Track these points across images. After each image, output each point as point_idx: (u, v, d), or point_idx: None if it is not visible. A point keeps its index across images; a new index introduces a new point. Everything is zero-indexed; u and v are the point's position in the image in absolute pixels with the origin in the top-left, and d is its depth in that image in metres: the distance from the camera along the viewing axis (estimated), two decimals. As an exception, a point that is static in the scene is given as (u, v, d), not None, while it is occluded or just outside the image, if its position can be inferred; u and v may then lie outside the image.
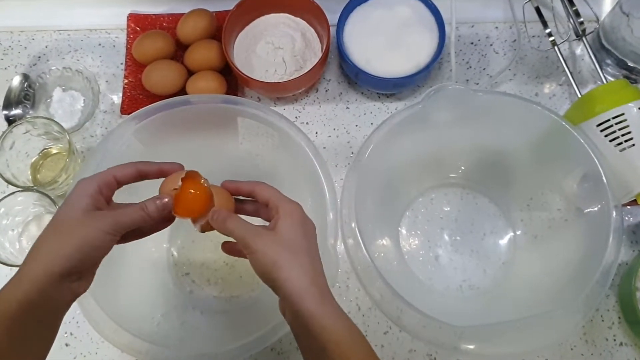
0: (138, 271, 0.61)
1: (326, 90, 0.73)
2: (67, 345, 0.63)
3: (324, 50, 0.67)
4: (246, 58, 0.69)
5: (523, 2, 0.70)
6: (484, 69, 0.73)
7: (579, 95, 0.65)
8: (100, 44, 0.75)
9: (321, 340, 0.39)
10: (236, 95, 0.70)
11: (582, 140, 0.55)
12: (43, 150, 0.69)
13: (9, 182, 0.63)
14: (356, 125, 0.71)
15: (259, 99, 0.73)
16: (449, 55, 0.70)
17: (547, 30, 0.68)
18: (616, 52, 0.67)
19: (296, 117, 0.71)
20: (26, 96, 0.71)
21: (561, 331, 0.51)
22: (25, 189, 0.62)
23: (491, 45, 0.74)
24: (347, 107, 0.72)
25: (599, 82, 0.67)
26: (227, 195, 0.46)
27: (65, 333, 0.63)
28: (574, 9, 0.67)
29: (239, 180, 0.47)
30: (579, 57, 0.73)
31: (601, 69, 0.66)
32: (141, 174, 0.45)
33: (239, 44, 0.71)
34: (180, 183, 0.45)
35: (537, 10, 0.68)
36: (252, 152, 0.62)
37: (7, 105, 0.70)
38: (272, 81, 0.68)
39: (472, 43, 0.74)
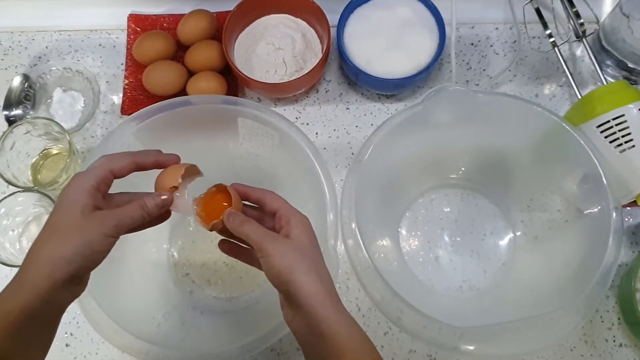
0: (138, 272, 0.61)
1: (326, 91, 0.73)
2: (67, 345, 0.63)
3: (324, 51, 0.67)
4: (246, 59, 0.70)
5: (523, 3, 0.70)
6: (484, 69, 0.73)
7: (579, 97, 0.65)
8: (100, 45, 0.75)
9: (336, 346, 0.39)
10: (236, 95, 0.70)
11: (582, 142, 0.55)
12: (43, 150, 0.69)
13: (9, 183, 0.63)
14: (356, 126, 0.71)
15: (259, 99, 0.73)
16: (449, 56, 0.70)
17: (548, 32, 0.68)
18: (616, 53, 0.67)
19: (296, 118, 0.71)
20: (26, 96, 0.71)
21: (561, 332, 0.51)
22: (26, 189, 0.62)
23: (491, 46, 0.74)
24: (348, 108, 0.72)
25: (599, 83, 0.67)
26: (238, 197, 0.46)
27: (65, 333, 0.63)
28: (574, 10, 0.67)
29: (248, 185, 0.47)
30: (579, 58, 0.73)
31: (601, 70, 0.67)
32: (138, 165, 0.44)
33: (240, 45, 0.71)
34: (180, 180, 0.45)
35: (538, 11, 0.68)
36: (252, 152, 0.62)
37: (8, 105, 0.70)
38: (273, 82, 0.68)
39: (472, 44, 0.74)
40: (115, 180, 0.44)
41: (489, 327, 0.50)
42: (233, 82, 0.71)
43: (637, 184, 0.59)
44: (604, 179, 0.54)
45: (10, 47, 0.76)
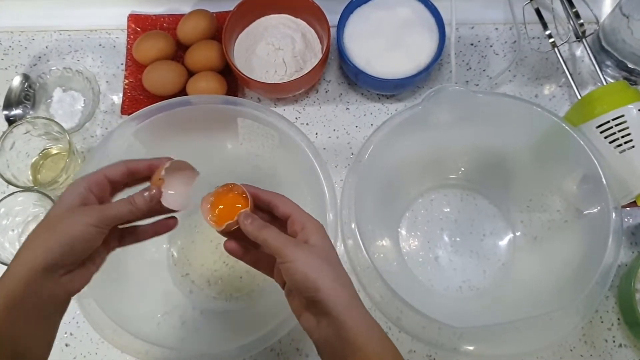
0: (138, 271, 0.61)
1: (326, 91, 0.73)
2: (67, 345, 0.63)
3: (324, 51, 0.67)
4: (246, 59, 0.70)
5: (523, 4, 0.70)
6: (484, 70, 0.73)
7: (579, 97, 0.65)
8: (100, 45, 0.76)
9: (366, 352, 0.39)
10: (236, 96, 0.70)
11: (581, 142, 0.55)
12: (43, 150, 0.69)
13: (9, 183, 0.63)
14: (356, 126, 0.71)
15: (259, 99, 0.73)
16: (449, 57, 0.70)
17: (547, 32, 0.68)
18: (616, 53, 0.67)
19: (296, 118, 0.71)
20: (26, 96, 0.71)
21: (560, 332, 0.51)
22: (26, 189, 0.62)
23: (491, 46, 0.74)
24: (347, 108, 0.72)
25: (599, 84, 0.67)
26: (252, 198, 0.45)
27: (65, 333, 0.63)
28: (574, 10, 0.67)
29: (258, 187, 0.47)
30: (578, 58, 0.73)
31: (601, 70, 0.67)
32: (131, 170, 0.44)
33: (239, 45, 0.71)
34: (163, 172, 0.43)
35: (537, 11, 0.69)
36: (252, 152, 0.62)
37: (8, 105, 0.70)
38: (272, 82, 0.68)
39: (472, 44, 0.74)
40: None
41: (489, 328, 0.50)
42: (233, 82, 0.71)
43: (636, 185, 0.59)
44: (603, 180, 0.54)
45: (10, 47, 0.76)
